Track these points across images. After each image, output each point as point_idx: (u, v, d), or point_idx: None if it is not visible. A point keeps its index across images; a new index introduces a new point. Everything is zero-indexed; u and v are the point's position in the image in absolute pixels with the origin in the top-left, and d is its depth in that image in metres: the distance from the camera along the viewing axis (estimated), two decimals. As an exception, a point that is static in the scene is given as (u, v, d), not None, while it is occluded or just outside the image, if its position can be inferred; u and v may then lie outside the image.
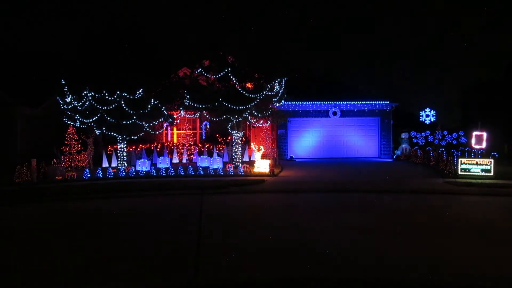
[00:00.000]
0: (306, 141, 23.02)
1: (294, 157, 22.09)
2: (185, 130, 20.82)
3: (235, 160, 17.58)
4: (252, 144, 21.79)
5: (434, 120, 22.58)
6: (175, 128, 22.02)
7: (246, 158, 19.76)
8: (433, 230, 7.61)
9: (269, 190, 12.65)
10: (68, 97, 16.29)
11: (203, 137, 21.99)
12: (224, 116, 17.12)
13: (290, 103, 21.87)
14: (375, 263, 5.80)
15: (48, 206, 10.77)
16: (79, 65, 19.12)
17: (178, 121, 20.08)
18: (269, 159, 17.11)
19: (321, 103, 22.54)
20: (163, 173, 15.54)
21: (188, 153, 20.28)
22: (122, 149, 17.32)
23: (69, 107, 16.37)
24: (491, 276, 5.30)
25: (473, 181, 13.36)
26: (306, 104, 22.45)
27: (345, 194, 12.03)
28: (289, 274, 5.44)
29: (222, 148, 20.29)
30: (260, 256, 6.18)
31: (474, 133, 15.23)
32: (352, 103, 22.54)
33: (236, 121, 17.34)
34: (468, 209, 9.85)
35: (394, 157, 21.92)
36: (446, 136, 19.85)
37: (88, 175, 14.82)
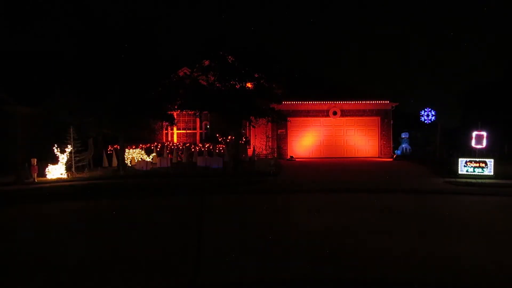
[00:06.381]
0: (306, 141, 23.00)
1: (294, 157, 22.08)
2: (185, 130, 20.81)
3: (235, 160, 17.57)
4: (252, 144, 21.79)
5: (434, 120, 22.62)
6: (175, 128, 22.01)
7: (246, 158, 19.75)
8: (433, 230, 7.60)
9: (269, 190, 12.65)
10: (68, 96, 16.29)
11: (203, 137, 21.98)
12: (224, 116, 17.11)
13: (290, 102, 21.85)
14: (375, 262, 5.80)
15: (47, 206, 10.76)
16: (78, 65, 19.08)
17: (178, 121, 20.06)
18: (269, 158, 17.10)
19: (321, 103, 22.53)
20: (163, 173, 15.54)
21: (188, 153, 20.28)
22: (122, 149, 17.29)
23: (69, 106, 16.36)
24: (492, 275, 5.30)
25: (473, 180, 13.37)
26: (306, 103, 22.43)
27: (345, 194, 12.00)
28: (290, 274, 5.44)
29: (222, 148, 20.29)
30: (260, 256, 6.18)
31: (474, 133, 15.22)
32: (352, 102, 22.53)
33: (236, 121, 17.33)
34: (468, 209, 9.84)
35: (394, 157, 21.91)
36: (446, 136, 19.86)
37: (89, 175, 14.81)
